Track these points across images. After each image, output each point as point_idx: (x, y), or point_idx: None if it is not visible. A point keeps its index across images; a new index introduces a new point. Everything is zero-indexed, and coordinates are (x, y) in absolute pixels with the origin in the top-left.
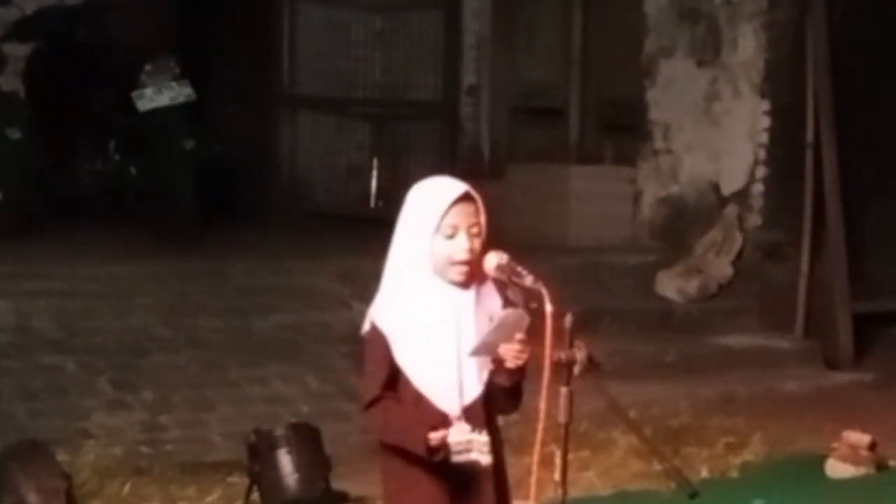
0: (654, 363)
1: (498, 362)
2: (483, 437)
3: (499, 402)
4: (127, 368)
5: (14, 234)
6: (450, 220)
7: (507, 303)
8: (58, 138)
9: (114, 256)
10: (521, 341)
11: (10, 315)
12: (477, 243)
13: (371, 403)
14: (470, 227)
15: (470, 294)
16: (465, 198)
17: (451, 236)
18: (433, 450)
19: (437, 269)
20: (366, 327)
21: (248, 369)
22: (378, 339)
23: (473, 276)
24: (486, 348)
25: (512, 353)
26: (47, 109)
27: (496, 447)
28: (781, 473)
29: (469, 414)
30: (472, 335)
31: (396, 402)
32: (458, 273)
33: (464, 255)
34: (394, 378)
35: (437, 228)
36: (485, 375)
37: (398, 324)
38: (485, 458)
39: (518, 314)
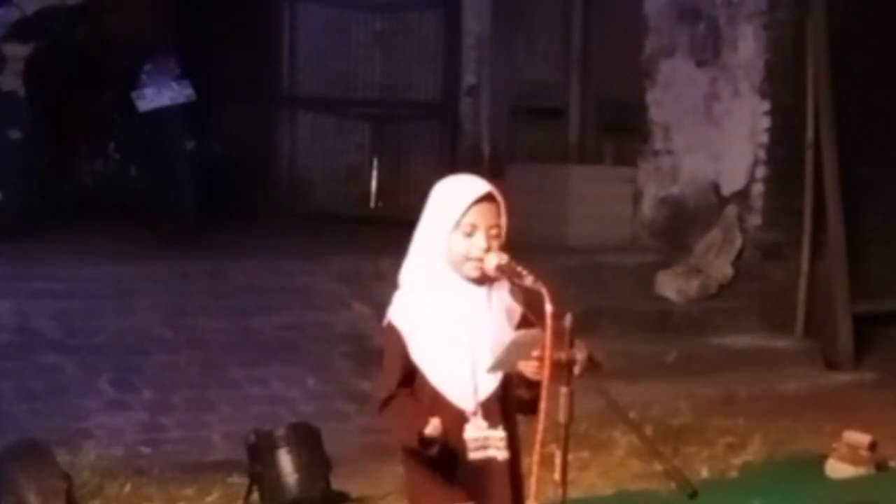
0: (654, 363)
1: (519, 376)
2: (499, 433)
3: (518, 407)
4: (127, 368)
5: (14, 234)
6: (470, 218)
7: (525, 305)
8: (58, 138)
9: (114, 256)
10: (538, 358)
11: (10, 315)
12: (495, 244)
13: (385, 402)
14: (489, 227)
15: (485, 291)
16: (488, 198)
17: (470, 234)
18: (426, 442)
19: (454, 265)
20: (384, 323)
21: (248, 369)
22: (394, 337)
23: (489, 275)
24: (502, 365)
25: (531, 369)
26: (47, 109)
27: (512, 443)
28: (781, 473)
29: (485, 410)
30: (488, 332)
31: (405, 399)
32: (474, 268)
33: (479, 254)
34: (411, 375)
35: (457, 225)
36: (501, 372)
37: (414, 321)
38: (501, 454)
39: (533, 334)
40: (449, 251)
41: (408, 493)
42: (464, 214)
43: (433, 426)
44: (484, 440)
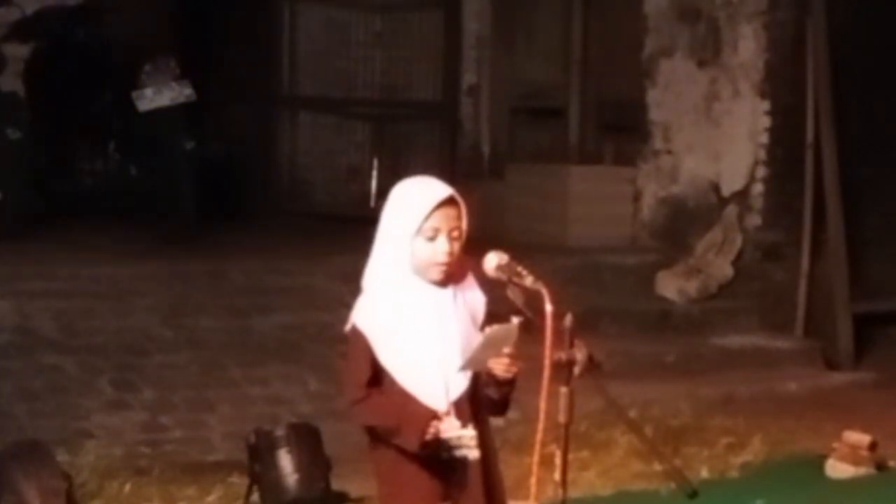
0: (654, 363)
1: (488, 375)
2: (470, 432)
3: (487, 408)
4: (127, 368)
5: (14, 234)
6: (432, 223)
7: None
8: (58, 138)
9: (114, 256)
10: (509, 355)
11: (10, 315)
12: (456, 246)
13: (357, 402)
14: (451, 230)
15: (450, 292)
16: (449, 201)
17: (432, 239)
18: (425, 445)
19: (417, 270)
20: (348, 327)
21: (248, 369)
22: (360, 340)
23: (453, 275)
24: (474, 363)
25: (501, 368)
26: (47, 109)
27: (485, 440)
28: (781, 473)
29: (456, 409)
30: (456, 332)
31: (384, 398)
32: (438, 272)
33: (443, 258)
34: (377, 378)
35: (419, 230)
36: (471, 371)
37: (380, 324)
38: (472, 453)
39: (505, 329)
40: (412, 255)
41: (380, 493)
42: (426, 220)
43: (433, 431)
44: (457, 439)
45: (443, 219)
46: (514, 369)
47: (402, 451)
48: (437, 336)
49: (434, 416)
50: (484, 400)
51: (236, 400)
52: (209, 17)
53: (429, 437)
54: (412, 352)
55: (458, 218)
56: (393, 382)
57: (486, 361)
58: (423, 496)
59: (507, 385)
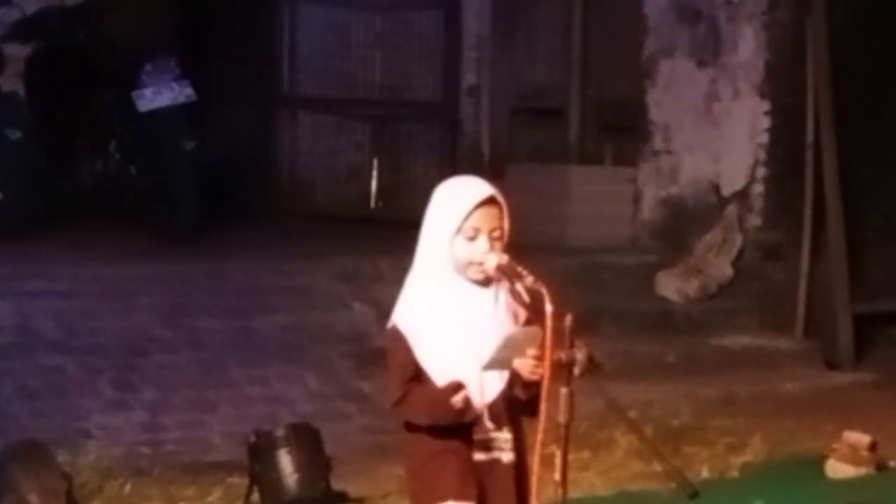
0: (654, 363)
1: (515, 375)
2: (505, 435)
3: (518, 408)
4: (127, 368)
5: (14, 234)
6: (472, 222)
7: (526, 305)
8: (58, 138)
9: (114, 256)
10: (534, 357)
11: (10, 315)
12: (497, 246)
13: (399, 401)
14: (492, 230)
15: (490, 293)
16: (490, 201)
17: (473, 238)
18: (462, 412)
19: (458, 269)
20: (389, 325)
21: (248, 369)
22: (400, 341)
23: (490, 276)
24: (496, 364)
25: (527, 369)
26: (47, 109)
27: (519, 444)
28: (781, 474)
29: (491, 412)
30: (494, 335)
31: (419, 388)
32: (477, 272)
33: (482, 258)
34: (417, 377)
35: (459, 230)
36: (507, 374)
37: (419, 324)
38: (506, 456)
39: (529, 331)
40: (452, 255)
41: (410, 491)
42: (466, 219)
43: (460, 398)
44: (490, 441)
45: (483, 218)
46: (540, 370)
47: (435, 450)
48: (473, 337)
49: (459, 385)
50: (514, 401)
51: (236, 400)
52: (209, 17)
53: (459, 405)
54: (449, 353)
55: (500, 218)
56: (430, 383)
57: (510, 362)
58: (455, 495)
59: (535, 386)
